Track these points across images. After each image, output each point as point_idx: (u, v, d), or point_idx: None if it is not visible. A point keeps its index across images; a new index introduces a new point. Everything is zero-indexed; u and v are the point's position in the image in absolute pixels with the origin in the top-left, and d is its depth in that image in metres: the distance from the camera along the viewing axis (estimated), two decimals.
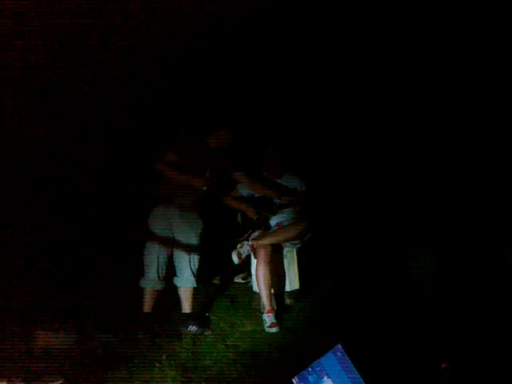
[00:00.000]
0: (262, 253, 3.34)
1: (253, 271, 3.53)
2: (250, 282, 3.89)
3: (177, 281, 3.23)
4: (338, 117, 4.75)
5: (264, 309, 3.25)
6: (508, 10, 3.51)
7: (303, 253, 3.68)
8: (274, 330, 3.11)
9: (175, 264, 3.23)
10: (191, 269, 3.19)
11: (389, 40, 4.21)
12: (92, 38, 3.59)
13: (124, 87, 3.96)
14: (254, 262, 3.50)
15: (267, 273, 3.31)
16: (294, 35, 4.25)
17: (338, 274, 4.02)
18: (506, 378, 2.11)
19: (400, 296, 3.34)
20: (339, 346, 1.60)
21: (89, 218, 4.07)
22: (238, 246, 3.47)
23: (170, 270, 3.24)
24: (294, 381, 1.42)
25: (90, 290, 3.56)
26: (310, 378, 1.45)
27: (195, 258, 3.22)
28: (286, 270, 3.62)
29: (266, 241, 3.40)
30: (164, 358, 2.72)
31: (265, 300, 3.27)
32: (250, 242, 3.42)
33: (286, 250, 3.61)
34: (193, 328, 3.13)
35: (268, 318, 3.17)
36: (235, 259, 3.44)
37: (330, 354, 1.55)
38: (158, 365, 2.63)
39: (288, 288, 3.62)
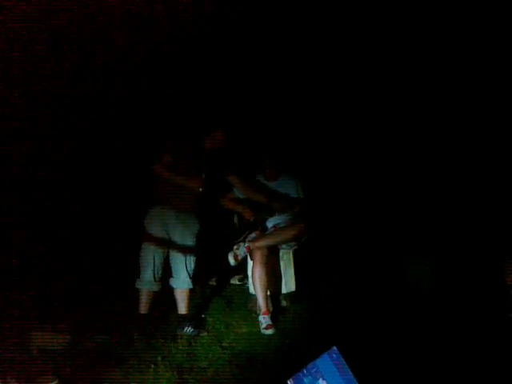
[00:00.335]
0: (258, 254, 3.34)
1: (249, 273, 3.53)
2: (246, 283, 3.90)
3: (173, 282, 3.23)
4: (336, 121, 4.76)
5: (260, 310, 3.26)
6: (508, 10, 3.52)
7: (299, 255, 3.68)
8: (269, 331, 3.10)
9: (171, 265, 3.23)
10: (187, 270, 3.20)
11: (389, 40, 4.22)
12: (89, 37, 3.60)
13: (121, 88, 3.96)
14: (250, 263, 3.51)
15: (263, 274, 3.31)
16: (293, 36, 4.27)
17: (335, 277, 4.02)
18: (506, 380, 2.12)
19: (396, 299, 3.35)
20: (334, 348, 1.60)
21: (86, 219, 4.07)
22: (235, 247, 3.47)
23: (166, 271, 3.24)
24: (288, 382, 1.42)
25: (85, 290, 3.55)
26: (305, 380, 1.45)
27: (191, 260, 3.22)
28: (282, 272, 3.62)
29: (263, 242, 3.40)
30: (159, 359, 2.72)
31: (261, 302, 3.27)
32: (246, 244, 3.42)
33: (282, 251, 3.62)
34: (188, 329, 3.13)
35: (264, 320, 3.16)
36: (232, 261, 3.45)
37: (325, 355, 1.55)
38: (153, 366, 2.62)
39: (284, 290, 3.63)
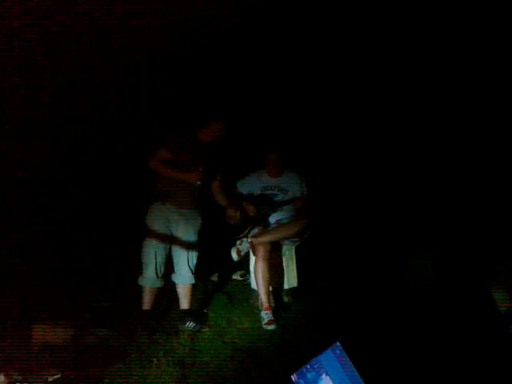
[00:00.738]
0: (261, 250, 3.33)
1: (251, 268, 3.53)
2: (248, 279, 3.89)
3: (175, 277, 3.23)
4: (339, 117, 4.75)
5: (262, 306, 3.25)
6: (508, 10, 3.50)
7: (302, 251, 3.68)
8: (271, 327, 3.10)
9: (173, 261, 3.22)
10: (189, 266, 3.19)
11: (388, 40, 4.21)
12: (80, 35, 3.59)
13: (119, 85, 3.95)
14: (252, 259, 3.50)
15: (266, 270, 3.30)
16: (294, 31, 4.25)
17: (337, 273, 4.01)
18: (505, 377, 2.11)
19: (398, 294, 3.35)
20: (338, 343, 1.60)
21: (89, 214, 4.07)
22: (238, 242, 3.46)
23: (169, 267, 3.23)
24: (292, 377, 1.42)
25: (88, 284, 3.55)
26: (308, 375, 1.45)
27: (194, 255, 3.21)
28: (284, 268, 3.62)
29: (266, 238, 3.39)
30: (161, 354, 2.72)
31: (263, 297, 3.26)
32: (249, 239, 3.42)
33: (284, 247, 3.61)
34: (190, 324, 3.13)
35: (266, 316, 3.16)
36: (234, 256, 3.44)
37: (328, 351, 1.55)
38: (155, 361, 2.62)
39: (286, 286, 3.63)
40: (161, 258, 3.16)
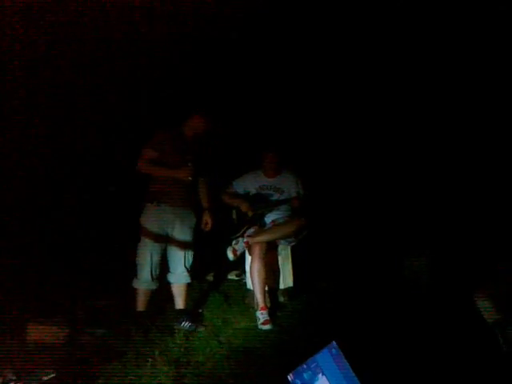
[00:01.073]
0: (256, 250, 3.33)
1: (247, 268, 3.53)
2: (243, 278, 3.89)
3: (170, 277, 3.22)
4: (336, 116, 4.75)
5: (257, 306, 3.25)
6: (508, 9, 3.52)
7: (297, 250, 3.68)
8: (267, 327, 3.10)
9: (169, 260, 3.20)
10: (185, 265, 3.18)
11: (388, 39, 4.22)
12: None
13: (113, 86, 3.94)
14: (248, 258, 3.50)
15: (262, 270, 3.30)
16: (292, 30, 4.25)
17: (333, 273, 4.02)
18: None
19: (394, 293, 3.36)
20: (334, 343, 1.60)
21: (84, 214, 4.06)
22: (233, 242, 3.46)
23: (164, 267, 3.21)
24: (289, 377, 1.42)
25: (83, 283, 3.55)
26: (304, 375, 1.45)
27: (189, 254, 3.20)
28: (280, 268, 3.62)
29: (262, 238, 3.39)
30: (157, 353, 2.71)
31: (258, 297, 3.26)
32: (245, 239, 3.42)
33: (280, 247, 3.61)
34: (186, 324, 3.12)
35: (261, 315, 3.16)
36: (230, 256, 3.44)
37: (325, 351, 1.55)
38: (150, 360, 2.62)
39: (282, 285, 3.63)
40: (156, 260, 3.12)
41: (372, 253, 3.99)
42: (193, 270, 3.24)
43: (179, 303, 3.23)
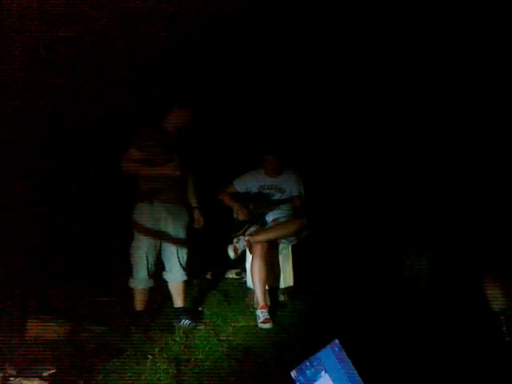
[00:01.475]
0: (258, 248, 3.33)
1: (248, 266, 3.52)
2: (243, 277, 3.89)
3: (166, 276, 3.20)
4: (336, 116, 4.76)
5: (257, 304, 3.25)
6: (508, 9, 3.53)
7: (298, 250, 3.68)
8: (267, 325, 3.10)
9: (163, 259, 3.18)
10: (180, 262, 3.16)
11: (388, 39, 4.22)
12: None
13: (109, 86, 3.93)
14: (249, 257, 3.50)
15: (262, 269, 3.30)
16: (289, 29, 4.26)
17: (333, 272, 4.02)
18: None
19: (394, 292, 3.36)
20: (336, 341, 1.61)
21: (84, 211, 4.06)
22: (235, 240, 3.46)
23: (159, 265, 3.19)
24: (292, 374, 1.42)
25: (84, 280, 3.55)
26: (307, 372, 1.45)
27: (183, 251, 3.17)
28: (280, 267, 3.62)
29: (263, 237, 3.39)
30: (156, 350, 2.71)
31: (259, 296, 3.26)
32: (246, 238, 3.42)
33: (281, 246, 3.61)
34: (185, 322, 3.12)
35: (261, 314, 3.16)
36: (231, 254, 3.44)
37: (327, 348, 1.56)
38: (150, 357, 2.62)
39: (282, 285, 3.63)
40: (152, 259, 3.09)
41: (372, 252, 3.99)
42: (191, 268, 3.23)
43: (177, 301, 3.22)
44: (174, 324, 3.12)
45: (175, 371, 2.49)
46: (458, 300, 3.05)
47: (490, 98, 3.99)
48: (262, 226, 3.54)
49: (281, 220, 3.54)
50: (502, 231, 3.10)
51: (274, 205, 3.60)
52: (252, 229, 3.50)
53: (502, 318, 2.43)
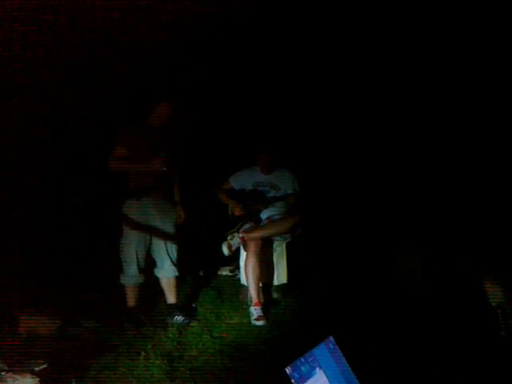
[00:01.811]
0: (252, 246, 3.33)
1: (241, 264, 3.52)
2: (237, 274, 3.89)
3: (158, 272, 3.19)
4: (331, 114, 4.76)
5: (251, 301, 3.25)
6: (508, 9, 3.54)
7: (292, 247, 3.68)
8: (260, 322, 3.10)
9: (154, 256, 3.16)
10: (170, 258, 3.15)
11: (388, 39, 4.23)
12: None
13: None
14: (243, 254, 3.50)
15: (256, 266, 3.30)
16: (286, 28, 4.25)
17: (327, 269, 4.02)
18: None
19: (388, 291, 3.37)
20: (331, 337, 1.61)
21: (77, 208, 4.03)
22: (229, 237, 3.46)
23: (152, 262, 3.19)
24: (287, 370, 1.42)
25: (76, 275, 3.53)
26: (302, 368, 1.45)
27: (173, 247, 3.16)
28: (274, 264, 3.61)
29: (257, 234, 3.38)
30: (149, 346, 2.71)
31: (252, 293, 3.26)
32: (240, 235, 3.41)
33: (275, 243, 3.61)
34: (179, 318, 3.11)
35: (255, 311, 3.16)
36: (225, 251, 3.44)
37: (322, 345, 1.56)
38: (143, 353, 2.61)
39: (276, 282, 3.62)
40: (142, 254, 3.08)
41: (366, 251, 4.00)
42: (182, 264, 3.22)
43: (170, 297, 3.21)
44: (167, 321, 3.12)
45: (168, 368, 2.49)
46: (453, 295, 3.07)
47: (488, 97, 4.00)
48: (257, 223, 3.54)
49: (275, 217, 3.53)
50: (502, 231, 3.12)
51: (268, 202, 3.60)
52: (246, 226, 3.49)
53: (499, 312, 2.44)
